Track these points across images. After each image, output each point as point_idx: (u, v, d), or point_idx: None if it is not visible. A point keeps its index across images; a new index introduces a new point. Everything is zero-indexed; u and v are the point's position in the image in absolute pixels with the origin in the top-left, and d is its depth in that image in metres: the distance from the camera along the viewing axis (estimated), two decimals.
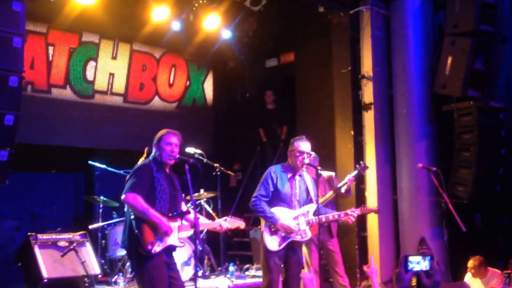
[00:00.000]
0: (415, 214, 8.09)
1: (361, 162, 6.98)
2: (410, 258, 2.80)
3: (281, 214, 5.58)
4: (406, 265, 2.80)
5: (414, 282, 2.79)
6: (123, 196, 4.72)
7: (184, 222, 4.96)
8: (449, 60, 7.95)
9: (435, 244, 7.92)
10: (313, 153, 6.29)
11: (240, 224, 5.40)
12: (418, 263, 2.80)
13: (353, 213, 5.83)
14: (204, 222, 5.34)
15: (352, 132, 8.46)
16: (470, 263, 7.12)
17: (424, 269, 2.79)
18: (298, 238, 5.64)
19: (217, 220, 5.38)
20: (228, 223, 5.29)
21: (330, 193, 6.75)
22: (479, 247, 7.79)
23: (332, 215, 5.79)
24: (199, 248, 7.55)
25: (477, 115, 7.87)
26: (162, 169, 4.91)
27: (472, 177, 7.81)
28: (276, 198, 5.65)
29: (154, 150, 5.00)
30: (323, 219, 5.72)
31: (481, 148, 7.82)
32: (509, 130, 8.34)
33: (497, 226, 8.91)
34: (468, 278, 7.18)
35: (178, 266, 5.23)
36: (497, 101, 8.15)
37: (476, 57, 7.81)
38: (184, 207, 5.17)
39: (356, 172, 6.74)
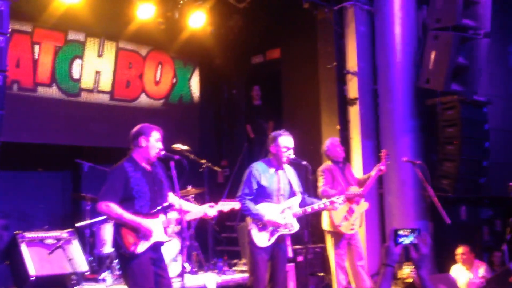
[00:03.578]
0: (400, 207, 8.18)
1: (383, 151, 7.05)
2: (399, 232, 2.86)
3: (267, 210, 5.60)
4: (395, 239, 2.86)
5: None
6: (97, 205, 4.70)
7: (170, 215, 4.86)
8: (433, 54, 8.03)
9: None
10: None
11: (234, 204, 5.35)
12: (407, 236, 2.86)
13: (338, 200, 5.86)
14: (193, 212, 5.20)
15: (338, 127, 8.53)
16: (460, 250, 7.19)
17: (412, 242, 2.85)
18: (286, 231, 5.69)
19: (204, 206, 5.23)
20: (220, 206, 5.20)
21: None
22: (464, 239, 7.88)
23: (317, 204, 5.80)
24: (187, 244, 7.60)
25: (460, 109, 7.97)
26: (138, 167, 4.82)
27: (456, 170, 7.91)
28: (261, 194, 5.66)
29: (136, 145, 4.89)
30: (309, 210, 5.75)
31: (465, 141, 7.93)
32: (492, 124, 8.45)
33: (481, 218, 9.01)
34: (455, 269, 7.26)
35: (166, 262, 5.21)
36: (480, 95, 8.25)
37: (459, 51, 7.90)
38: (173, 199, 5.02)
39: (381, 164, 6.85)
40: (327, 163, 7.07)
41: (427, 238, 2.87)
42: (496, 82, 9.22)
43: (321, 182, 6.87)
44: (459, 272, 7.17)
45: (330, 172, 6.92)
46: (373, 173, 6.87)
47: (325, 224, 6.92)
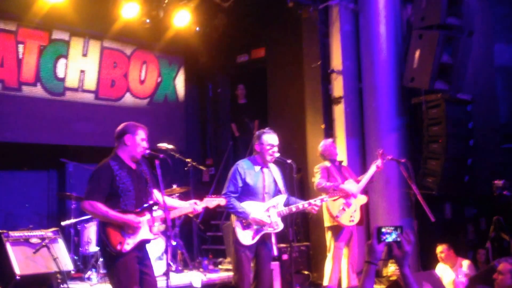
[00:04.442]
0: (385, 205, 8.21)
1: (379, 150, 7.09)
2: (383, 230, 2.88)
3: (252, 208, 5.61)
4: (378, 237, 2.88)
5: None
6: (81, 204, 4.70)
7: (155, 213, 4.86)
8: (417, 53, 8.08)
9: None
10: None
11: (220, 200, 5.34)
12: (390, 234, 2.88)
13: (316, 201, 5.83)
14: (178, 208, 5.20)
15: (323, 126, 8.55)
16: (439, 248, 7.24)
17: (395, 240, 2.87)
18: (270, 230, 5.69)
19: (189, 202, 5.22)
20: (205, 203, 5.19)
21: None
22: (449, 237, 7.93)
23: (302, 204, 5.81)
24: (172, 243, 7.58)
25: (445, 107, 8.02)
26: (124, 166, 4.80)
27: (441, 168, 7.96)
28: (246, 192, 5.67)
29: (120, 143, 4.87)
30: (294, 209, 5.77)
31: (449, 139, 7.98)
32: (477, 122, 8.51)
33: (466, 217, 9.08)
34: (439, 268, 7.30)
35: (151, 261, 5.20)
36: (465, 93, 8.31)
37: (443, 50, 7.94)
38: (158, 196, 4.99)
39: (379, 160, 6.90)
40: (324, 162, 7.11)
41: (410, 236, 2.89)
42: (480, 81, 9.28)
43: (317, 178, 6.90)
44: (444, 271, 7.21)
45: (326, 169, 6.97)
46: (371, 170, 6.93)
47: (325, 220, 6.96)
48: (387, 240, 2.88)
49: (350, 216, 6.81)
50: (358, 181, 7.00)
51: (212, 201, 5.27)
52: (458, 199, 8.78)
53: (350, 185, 6.86)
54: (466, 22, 8.14)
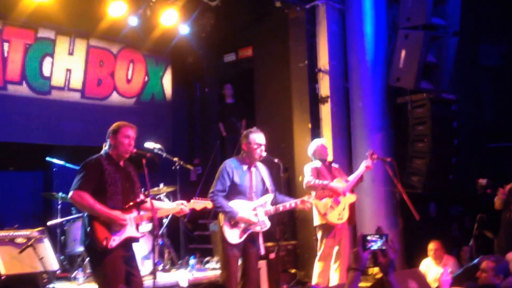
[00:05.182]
0: (371, 204, 8.28)
1: (369, 151, 7.13)
2: (368, 238, 2.94)
3: (240, 207, 5.63)
4: (364, 244, 2.93)
5: None
6: (69, 194, 4.69)
7: (142, 212, 4.89)
8: (403, 53, 8.15)
9: (391, 233, 8.08)
10: None
11: (207, 203, 5.39)
12: (375, 242, 2.95)
13: (309, 199, 5.91)
14: (165, 208, 5.29)
15: (310, 125, 8.59)
16: (431, 245, 7.30)
17: (380, 247, 2.92)
18: (258, 229, 5.72)
19: (177, 202, 5.30)
20: (192, 204, 5.24)
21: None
22: (434, 235, 8.00)
23: (289, 203, 5.85)
24: (159, 241, 7.59)
25: (430, 107, 8.09)
26: (113, 163, 4.85)
27: (426, 167, 8.03)
28: (234, 191, 5.69)
29: (108, 142, 4.93)
30: (281, 208, 5.80)
31: (434, 139, 8.05)
32: (461, 121, 8.60)
33: (450, 215, 9.17)
34: (424, 264, 7.37)
35: (138, 260, 5.20)
36: (450, 93, 8.39)
37: (428, 50, 8.02)
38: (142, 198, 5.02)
39: (369, 160, 6.94)
40: (314, 162, 7.14)
41: (395, 244, 2.95)
42: (465, 81, 9.37)
43: (307, 176, 6.94)
44: (429, 267, 7.28)
45: (316, 169, 7.00)
46: (360, 170, 6.97)
47: (315, 220, 6.98)
48: (372, 248, 2.94)
49: (339, 214, 6.84)
50: (348, 181, 7.04)
51: (199, 203, 5.34)
52: (442, 197, 8.87)
53: (339, 184, 6.90)
54: (451, 22, 8.22)
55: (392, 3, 8.73)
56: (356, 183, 7.03)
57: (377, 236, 2.97)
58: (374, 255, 2.96)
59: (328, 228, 6.88)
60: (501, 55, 10.31)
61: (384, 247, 2.94)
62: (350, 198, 7.00)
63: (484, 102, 10.30)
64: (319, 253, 6.95)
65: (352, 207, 7.07)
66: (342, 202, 6.88)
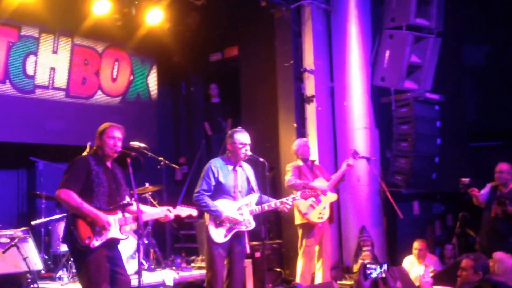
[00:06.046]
0: (355, 203, 8.34)
1: (351, 149, 7.19)
2: (368, 266, 3.06)
3: (225, 206, 5.64)
4: (365, 273, 3.04)
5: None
6: (56, 192, 4.68)
7: (127, 214, 4.92)
8: (387, 53, 8.23)
9: (375, 232, 8.20)
10: None
11: (192, 211, 5.39)
12: (375, 269, 3.06)
13: (288, 200, 5.91)
14: (150, 213, 5.30)
15: (295, 125, 8.62)
16: (416, 244, 7.36)
17: (380, 275, 3.04)
18: (243, 228, 5.73)
19: (162, 208, 5.29)
20: (177, 211, 5.25)
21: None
22: (417, 234, 8.09)
23: (274, 202, 5.86)
24: (145, 241, 7.57)
25: (414, 107, 8.18)
26: (101, 163, 4.86)
27: (410, 166, 8.11)
28: (219, 190, 5.70)
29: (95, 143, 4.94)
30: (266, 208, 5.82)
31: (418, 138, 8.14)
32: (445, 121, 8.69)
33: (433, 213, 9.26)
34: (407, 261, 7.44)
35: (124, 260, 5.19)
36: (433, 93, 8.47)
37: (412, 50, 8.10)
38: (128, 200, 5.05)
39: (350, 159, 6.99)
40: (296, 161, 7.18)
41: (395, 273, 3.05)
42: (449, 81, 9.47)
43: (288, 175, 6.97)
44: (412, 264, 7.35)
45: (297, 168, 7.04)
46: (342, 169, 7.02)
47: (296, 219, 7.03)
48: (372, 276, 3.05)
49: (319, 213, 6.89)
50: (330, 180, 7.08)
51: (184, 211, 5.34)
52: (426, 196, 8.96)
53: (320, 183, 6.94)
54: (434, 22, 8.31)
55: (376, 3, 8.79)
56: (337, 182, 7.08)
57: (377, 264, 3.09)
58: (376, 284, 3.04)
59: (308, 227, 6.94)
60: (483, 55, 10.43)
61: (384, 275, 3.02)
62: (331, 197, 7.05)
63: (466, 102, 10.41)
64: (300, 252, 7.00)
65: (332, 205, 7.13)
66: (323, 201, 6.93)
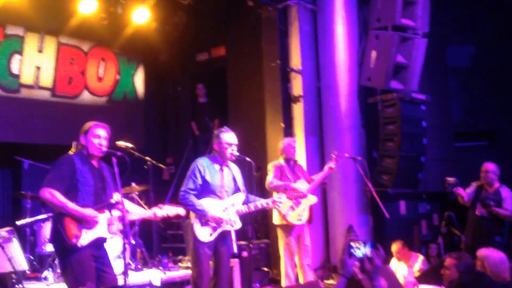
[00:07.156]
0: (343, 202, 8.37)
1: (334, 152, 7.20)
2: (353, 244, 3.01)
3: (211, 205, 5.62)
4: (349, 251, 3.00)
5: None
6: (40, 191, 4.64)
7: (114, 213, 4.89)
8: (373, 53, 8.26)
9: (362, 231, 8.23)
10: None
11: (179, 210, 5.38)
12: (359, 248, 3.01)
13: (281, 199, 5.96)
14: (138, 212, 5.29)
15: (282, 124, 8.63)
16: (394, 247, 7.43)
17: (366, 255, 2.99)
18: (228, 227, 5.73)
19: (152, 209, 5.31)
20: (165, 210, 5.23)
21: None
22: (403, 233, 8.14)
23: (260, 202, 5.88)
24: (132, 241, 7.54)
25: (400, 107, 8.23)
26: (86, 162, 4.83)
27: (396, 166, 8.16)
28: (205, 189, 5.68)
29: (80, 142, 4.91)
30: (252, 208, 5.82)
31: (404, 138, 8.19)
32: (430, 121, 8.75)
33: (419, 213, 9.32)
34: (393, 263, 7.49)
35: (111, 260, 5.16)
36: (419, 93, 8.53)
37: (398, 50, 8.14)
38: (118, 198, 4.98)
39: (332, 162, 7.00)
40: (278, 160, 7.19)
41: (380, 251, 3.02)
42: (434, 81, 9.53)
43: (270, 176, 6.98)
44: (398, 266, 7.39)
45: (279, 168, 7.05)
46: (324, 171, 7.04)
47: (275, 219, 7.04)
48: (356, 254, 3.01)
49: (299, 215, 6.91)
50: (311, 180, 7.09)
51: (171, 210, 5.31)
52: (412, 196, 9.01)
53: (301, 185, 6.95)
54: (420, 23, 8.35)
55: (362, 4, 8.83)
56: (318, 185, 7.09)
57: (361, 242, 3.04)
58: (361, 262, 3.02)
59: (287, 228, 6.97)
60: (468, 56, 10.53)
61: (370, 254, 3.00)
62: (311, 199, 7.06)
63: (452, 102, 10.49)
64: (281, 253, 7.02)
65: (311, 208, 7.14)
66: (303, 203, 6.95)
